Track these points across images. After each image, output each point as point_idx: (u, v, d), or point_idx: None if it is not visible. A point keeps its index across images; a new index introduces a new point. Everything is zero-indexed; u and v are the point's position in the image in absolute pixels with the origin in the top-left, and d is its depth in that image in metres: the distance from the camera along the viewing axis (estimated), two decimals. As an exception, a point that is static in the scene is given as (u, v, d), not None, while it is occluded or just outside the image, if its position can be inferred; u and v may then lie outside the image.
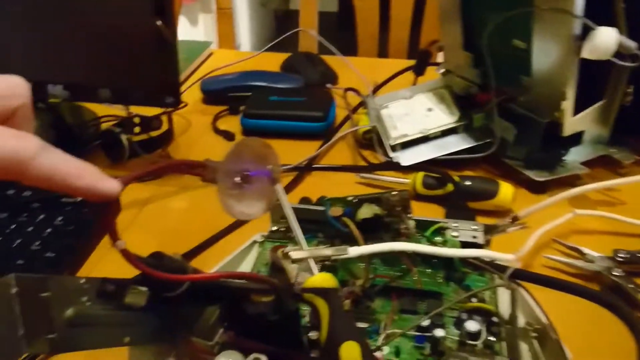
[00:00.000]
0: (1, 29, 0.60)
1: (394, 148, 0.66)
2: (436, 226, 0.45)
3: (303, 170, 0.66)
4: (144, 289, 0.31)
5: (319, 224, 0.48)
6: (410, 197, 0.60)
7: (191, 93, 0.86)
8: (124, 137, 0.67)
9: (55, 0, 0.59)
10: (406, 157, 0.65)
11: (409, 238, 0.43)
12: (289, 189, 0.63)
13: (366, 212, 0.43)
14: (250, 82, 0.83)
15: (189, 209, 0.61)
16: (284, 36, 0.93)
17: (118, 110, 0.71)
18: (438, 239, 0.46)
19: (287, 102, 0.76)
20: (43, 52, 0.61)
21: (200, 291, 0.34)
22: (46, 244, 0.52)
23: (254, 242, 0.50)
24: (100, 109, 0.74)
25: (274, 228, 0.50)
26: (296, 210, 0.50)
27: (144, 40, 0.59)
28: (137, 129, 0.71)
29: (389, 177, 0.63)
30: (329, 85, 0.87)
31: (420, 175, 0.60)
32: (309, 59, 0.92)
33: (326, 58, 0.94)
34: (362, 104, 0.75)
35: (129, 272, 0.49)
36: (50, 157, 0.25)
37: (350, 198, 0.45)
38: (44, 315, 0.25)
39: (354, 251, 0.36)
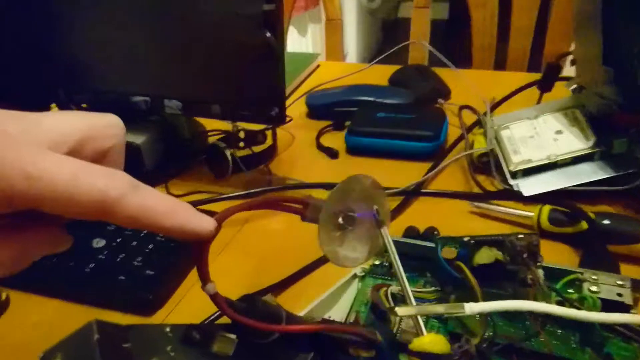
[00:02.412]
0: (121, 44, 0.62)
1: (514, 175, 0.59)
2: (570, 277, 0.38)
3: (410, 195, 0.60)
4: (232, 336, 0.28)
5: (427, 261, 0.43)
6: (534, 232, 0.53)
7: (296, 107, 0.85)
8: (227, 152, 0.66)
9: (170, 16, 0.59)
10: (529, 186, 0.57)
11: (536, 291, 0.36)
12: (393, 215, 0.58)
13: (485, 256, 0.37)
14: (357, 97, 0.80)
15: (288, 230, 0.58)
16: (394, 49, 0.88)
17: (225, 123, 0.71)
18: (572, 292, 0.39)
19: (395, 119, 0.71)
20: (160, 67, 0.62)
21: (294, 338, 0.30)
22: (147, 260, 0.52)
23: (355, 275, 0.46)
24: (208, 122, 0.74)
25: (377, 262, 0.46)
26: (402, 245, 0.45)
27: (251, 54, 0.57)
28: (241, 144, 0.70)
29: (508, 209, 0.56)
30: (441, 101, 0.81)
31: (546, 208, 0.53)
32: (419, 72, 0.87)
33: (438, 71, 0.88)
34: (478, 123, 0.69)
35: (228, 292, 0.47)
36: (140, 196, 0.23)
37: (466, 238, 0.39)
38: (127, 366, 0.23)
39: (472, 309, 0.31)
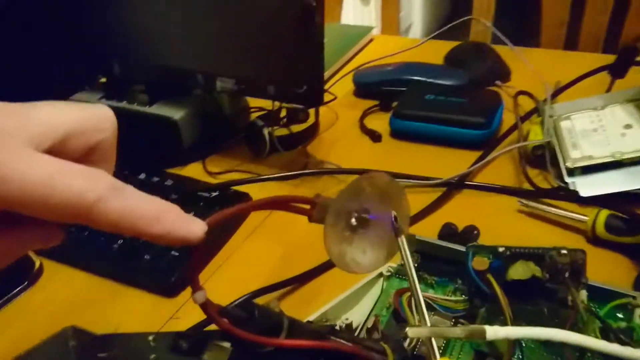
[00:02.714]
0: (178, 19, 0.60)
1: (571, 172, 0.53)
2: (620, 301, 0.34)
3: (453, 186, 0.56)
4: (226, 344, 0.26)
5: (459, 265, 0.39)
6: (588, 239, 0.48)
7: (343, 84, 0.81)
8: (265, 131, 0.64)
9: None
10: (587, 186, 0.51)
11: (576, 315, 0.32)
12: (432, 208, 0.54)
13: (521, 271, 0.33)
14: (407, 76, 0.75)
15: (320, 217, 0.56)
16: (452, 24, 0.82)
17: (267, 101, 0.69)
18: (621, 317, 0.34)
19: (445, 103, 0.66)
20: (213, 45, 0.60)
21: (297, 349, 0.28)
22: (173, 240, 0.51)
23: (380, 274, 0.43)
24: (252, 99, 0.72)
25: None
26: (433, 247, 0.42)
27: (290, 28, 0.54)
28: (283, 122, 0.68)
29: (560, 210, 0.50)
30: (498, 83, 0.74)
31: (604, 213, 0.47)
32: (478, 50, 0.81)
33: (500, 49, 0.81)
34: (536, 111, 0.63)
35: (250, 281, 0.46)
36: (121, 200, 0.21)
37: (501, 249, 0.35)
38: (102, 375, 0.22)
39: (496, 334, 0.27)
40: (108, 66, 0.69)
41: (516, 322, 0.33)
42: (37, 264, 0.53)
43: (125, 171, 0.62)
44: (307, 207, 0.28)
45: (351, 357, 0.29)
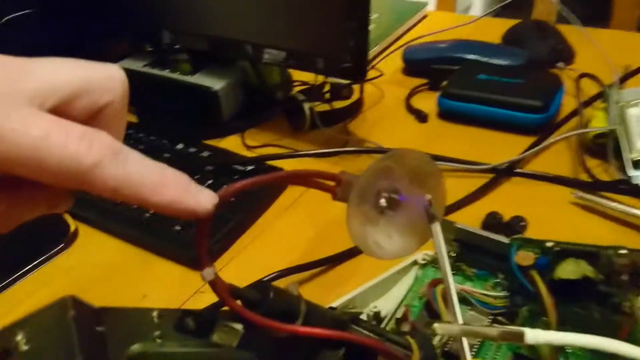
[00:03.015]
0: None
1: (636, 164, 0.48)
2: (684, 311, 0.30)
3: (502, 173, 0.52)
4: (238, 326, 0.24)
5: (501, 259, 0.36)
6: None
7: (392, 60, 0.77)
8: (306, 106, 0.62)
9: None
10: (653, 181, 0.47)
11: (632, 323, 0.28)
12: (477, 195, 0.51)
13: (571, 270, 0.30)
14: (460, 54, 0.70)
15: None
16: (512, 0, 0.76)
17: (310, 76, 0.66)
18: (683, 329, 0.30)
19: (500, 84, 0.62)
20: (264, 15, 0.58)
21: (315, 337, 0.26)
22: (205, 213, 0.50)
23: (415, 262, 0.41)
24: (295, 72, 0.70)
25: (443, 250, 0.40)
26: (474, 236, 0.39)
27: (338, 2, 0.51)
28: (327, 96, 0.66)
29: (619, 204, 0.46)
30: (560, 65, 0.69)
31: (670, 212, 0.42)
32: (539, 29, 0.75)
33: (564, 29, 0.75)
34: (601, 96, 0.57)
35: (281, 258, 0.43)
36: (120, 165, 0.19)
37: (549, 244, 0.32)
38: (101, 350, 0.21)
39: (536, 338, 0.24)
40: (156, 35, 0.68)
41: (561, 326, 0.30)
42: (73, 228, 0.53)
43: (163, 140, 0.62)
44: (332, 183, 0.25)
45: (371, 354, 0.27)
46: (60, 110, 0.20)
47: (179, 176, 0.21)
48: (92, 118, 0.21)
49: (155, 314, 0.22)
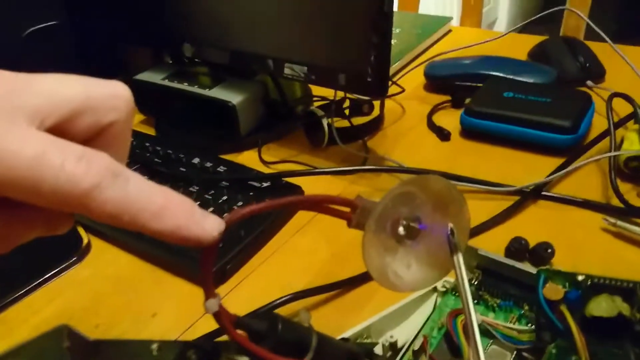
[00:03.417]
0: (247, 3, 0.58)
1: (672, 190, 0.45)
2: None
3: (527, 196, 0.50)
4: (243, 359, 0.23)
5: (527, 289, 0.34)
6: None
7: (414, 76, 0.76)
8: (325, 122, 0.60)
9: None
10: (691, 208, 0.44)
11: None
12: (501, 218, 0.48)
13: (605, 307, 0.28)
14: (485, 71, 0.69)
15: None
16: (540, 15, 0.74)
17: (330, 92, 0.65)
18: None
19: (526, 102, 0.60)
20: (285, 29, 0.57)
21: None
22: (218, 230, 0.49)
23: (435, 289, 0.39)
24: (315, 88, 0.69)
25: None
26: (497, 264, 0.37)
27: (360, 17, 0.50)
28: (346, 112, 0.64)
29: (655, 233, 0.43)
30: (590, 84, 0.67)
31: None
32: (569, 46, 0.72)
33: (594, 46, 0.72)
34: (634, 117, 0.55)
35: (293, 279, 0.42)
36: (120, 189, 0.18)
37: (581, 277, 0.29)
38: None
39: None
40: (178, 47, 0.68)
41: (593, 367, 0.27)
42: (85, 241, 0.52)
43: (180, 154, 0.61)
44: (347, 209, 0.24)
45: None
46: (62, 128, 0.19)
47: (183, 201, 0.20)
48: (94, 137, 0.20)
49: (155, 346, 0.21)
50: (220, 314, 0.21)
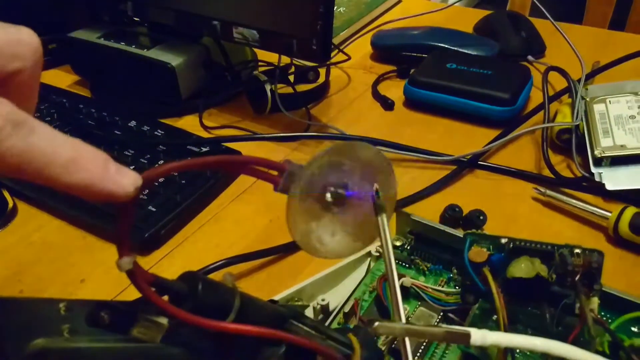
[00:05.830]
0: None
1: (599, 161, 0.47)
2: (635, 314, 0.29)
3: (464, 165, 0.51)
4: (163, 320, 0.22)
5: (457, 254, 0.34)
6: (608, 238, 0.43)
7: (361, 45, 0.75)
8: (267, 87, 0.59)
9: None
10: (615, 179, 0.46)
11: (584, 325, 0.27)
12: (438, 187, 0.49)
13: (524, 269, 0.28)
14: (430, 42, 0.69)
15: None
16: (486, -11, 0.75)
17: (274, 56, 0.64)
18: (636, 331, 0.29)
19: (468, 74, 0.60)
20: None
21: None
22: (153, 195, 0.47)
23: (369, 254, 0.39)
24: (260, 52, 0.67)
25: (398, 243, 0.39)
26: (428, 229, 0.37)
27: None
28: (290, 78, 0.63)
29: (581, 202, 0.45)
30: (530, 58, 0.68)
31: (630, 211, 0.42)
32: (512, 21, 0.73)
33: (538, 22, 0.74)
34: (568, 91, 0.56)
35: (230, 246, 0.41)
36: (24, 139, 0.17)
37: (504, 240, 0.30)
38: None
39: (483, 340, 0.23)
40: (118, 5, 0.64)
41: (512, 326, 0.28)
42: (11, 205, 0.50)
43: (116, 116, 0.59)
44: (275, 173, 0.23)
45: (310, 353, 0.25)
46: None
47: (95, 154, 0.18)
48: None
49: (62, 305, 0.20)
50: (134, 273, 0.21)
